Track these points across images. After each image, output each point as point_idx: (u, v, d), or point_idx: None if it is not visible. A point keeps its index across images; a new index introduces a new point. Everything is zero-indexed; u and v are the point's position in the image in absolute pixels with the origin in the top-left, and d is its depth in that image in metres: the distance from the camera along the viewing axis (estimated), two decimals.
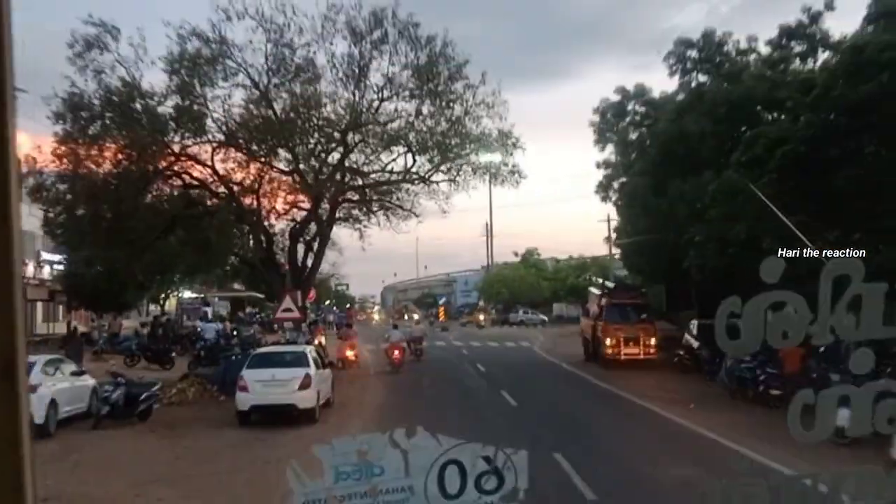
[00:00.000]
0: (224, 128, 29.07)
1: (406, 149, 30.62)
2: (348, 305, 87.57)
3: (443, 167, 31.60)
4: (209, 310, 55.42)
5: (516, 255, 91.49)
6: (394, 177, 32.15)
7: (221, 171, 29.54)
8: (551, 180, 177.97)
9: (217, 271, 47.26)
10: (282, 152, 30.01)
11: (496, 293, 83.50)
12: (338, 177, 31.25)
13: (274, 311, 35.85)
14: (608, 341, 30.58)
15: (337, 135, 29.98)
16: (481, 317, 70.87)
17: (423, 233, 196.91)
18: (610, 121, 37.84)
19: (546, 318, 73.78)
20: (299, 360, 19.16)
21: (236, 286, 64.07)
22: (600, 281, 44.14)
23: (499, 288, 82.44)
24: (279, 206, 31.36)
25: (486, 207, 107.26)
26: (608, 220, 50.56)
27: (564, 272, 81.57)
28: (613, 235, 49.46)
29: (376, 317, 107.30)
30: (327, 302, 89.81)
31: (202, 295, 61.65)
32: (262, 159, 29.68)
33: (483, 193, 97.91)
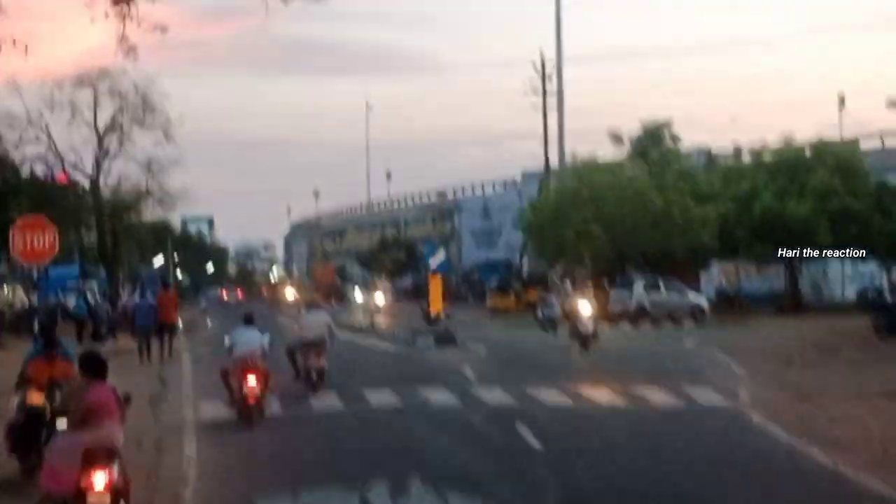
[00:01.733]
0: None
1: None
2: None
3: None
4: None
5: (617, 140, 66.92)
6: None
7: None
8: None
9: None
10: None
11: (572, 233, 58.88)
12: None
13: None
14: None
15: None
16: (585, 308, 40.63)
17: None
18: None
19: (704, 302, 61.42)
20: None
21: None
22: None
23: (581, 219, 58.05)
24: None
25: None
26: None
27: (752, 177, 62.10)
28: None
29: (290, 294, 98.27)
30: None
31: None
32: None
33: None
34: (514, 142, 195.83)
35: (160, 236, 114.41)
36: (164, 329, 39.60)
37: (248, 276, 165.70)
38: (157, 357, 38.83)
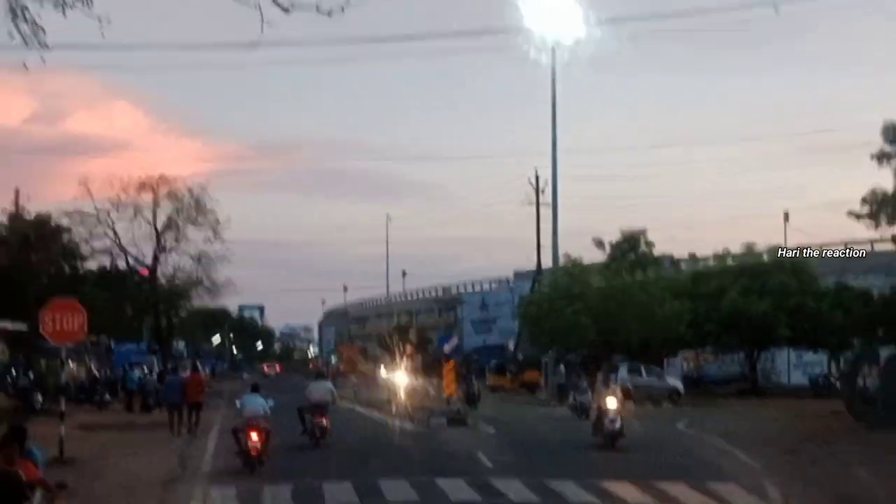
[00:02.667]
0: None
1: None
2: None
3: None
4: None
5: (600, 245, 60.85)
6: None
7: None
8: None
9: None
10: None
11: (566, 324, 52.56)
12: None
13: None
14: None
15: None
16: (612, 403, 32.01)
17: (401, 231, 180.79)
18: None
19: (680, 385, 55.52)
20: None
21: None
22: None
23: (572, 311, 51.63)
24: None
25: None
26: None
27: (718, 278, 56.15)
28: None
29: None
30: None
31: None
32: None
33: None
34: (508, 246, 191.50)
35: (218, 320, 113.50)
36: (191, 407, 33.98)
37: (289, 354, 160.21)
38: (187, 429, 33.33)
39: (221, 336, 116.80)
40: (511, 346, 78.92)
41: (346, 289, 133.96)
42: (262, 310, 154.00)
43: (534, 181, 63.65)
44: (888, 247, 48.79)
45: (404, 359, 53.63)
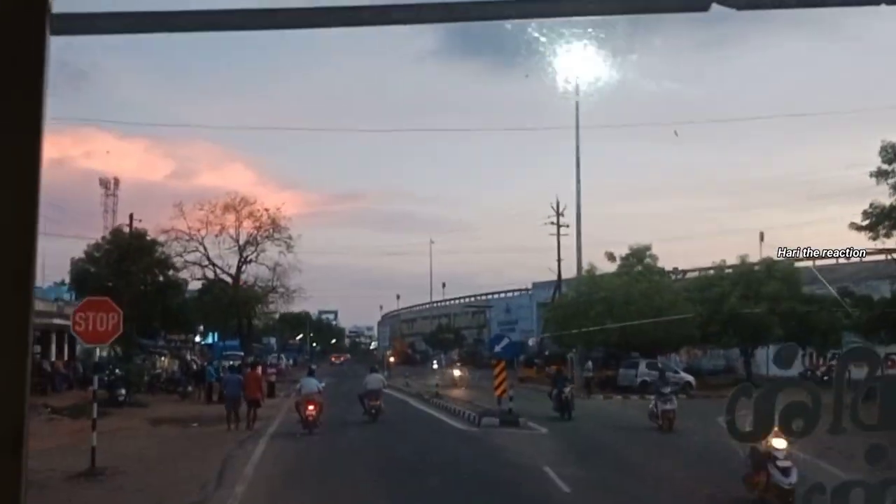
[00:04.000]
0: None
1: None
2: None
3: None
4: None
5: (611, 257, 51.20)
6: None
7: None
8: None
9: None
10: None
11: (591, 324, 43.16)
12: None
13: None
14: None
15: None
16: None
17: (442, 247, 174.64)
18: None
19: (692, 378, 44.81)
20: None
21: None
22: None
23: (596, 314, 42.25)
24: None
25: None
26: None
27: (719, 286, 45.79)
28: None
29: (391, 359, 76.82)
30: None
31: None
32: None
33: None
34: (528, 260, 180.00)
35: (302, 321, 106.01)
36: (249, 403, 25.10)
37: (356, 347, 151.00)
38: (245, 424, 24.30)
39: (304, 334, 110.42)
40: (531, 342, 70.22)
41: (398, 297, 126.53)
42: (335, 314, 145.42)
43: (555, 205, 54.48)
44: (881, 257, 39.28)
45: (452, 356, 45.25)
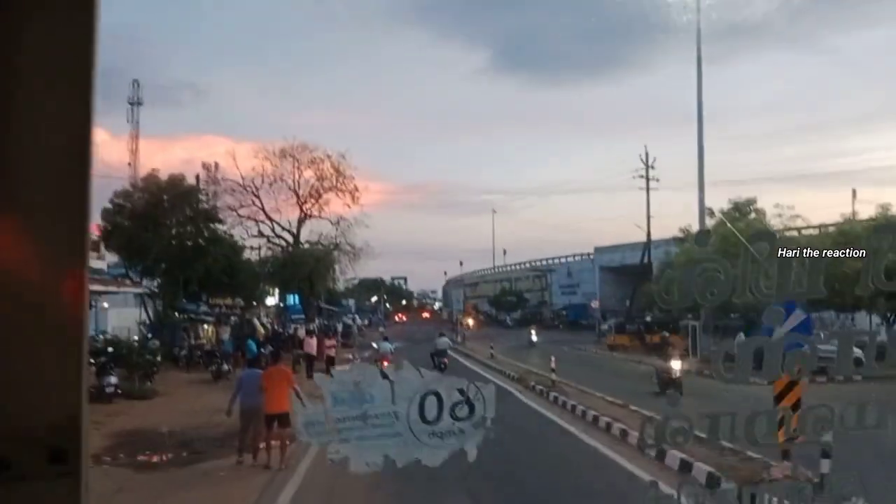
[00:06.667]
0: None
1: None
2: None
3: None
4: None
5: (710, 214, 35.77)
6: None
7: None
8: None
9: None
10: None
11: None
12: None
13: None
14: None
15: None
16: None
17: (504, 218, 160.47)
18: None
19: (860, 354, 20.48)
20: None
21: None
22: None
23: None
24: None
25: None
26: None
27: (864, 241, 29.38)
28: None
29: (469, 321, 61.86)
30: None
31: None
32: None
33: None
34: (589, 225, 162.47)
35: (377, 285, 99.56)
36: (271, 420, 10.46)
37: (423, 308, 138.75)
38: (266, 459, 10.14)
39: (378, 297, 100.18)
40: (594, 304, 56.41)
41: (461, 263, 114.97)
42: (405, 279, 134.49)
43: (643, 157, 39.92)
44: None
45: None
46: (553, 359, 18.41)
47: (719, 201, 34.79)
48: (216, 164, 32.79)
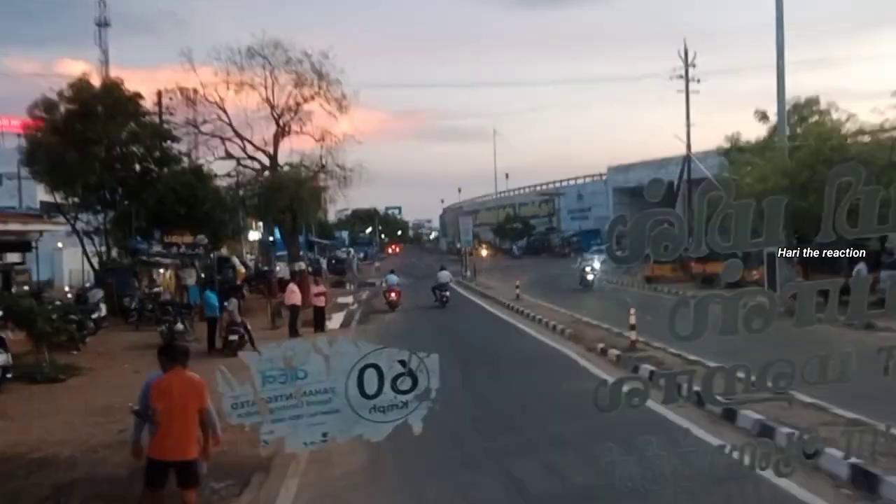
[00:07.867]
0: None
1: None
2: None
3: None
4: None
5: (763, 118, 29.67)
6: None
7: None
8: None
9: None
10: None
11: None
12: None
13: None
14: None
15: None
16: None
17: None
18: None
19: None
20: None
21: None
22: None
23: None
24: None
25: None
26: None
27: None
28: None
29: (483, 252, 58.21)
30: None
31: None
32: None
33: None
34: (601, 141, 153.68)
35: (371, 215, 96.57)
36: (162, 475, 5.25)
37: (419, 239, 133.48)
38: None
39: (373, 227, 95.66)
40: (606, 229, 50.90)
41: (459, 190, 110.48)
42: (400, 209, 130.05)
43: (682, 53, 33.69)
44: None
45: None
46: (632, 311, 12.69)
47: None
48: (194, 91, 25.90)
